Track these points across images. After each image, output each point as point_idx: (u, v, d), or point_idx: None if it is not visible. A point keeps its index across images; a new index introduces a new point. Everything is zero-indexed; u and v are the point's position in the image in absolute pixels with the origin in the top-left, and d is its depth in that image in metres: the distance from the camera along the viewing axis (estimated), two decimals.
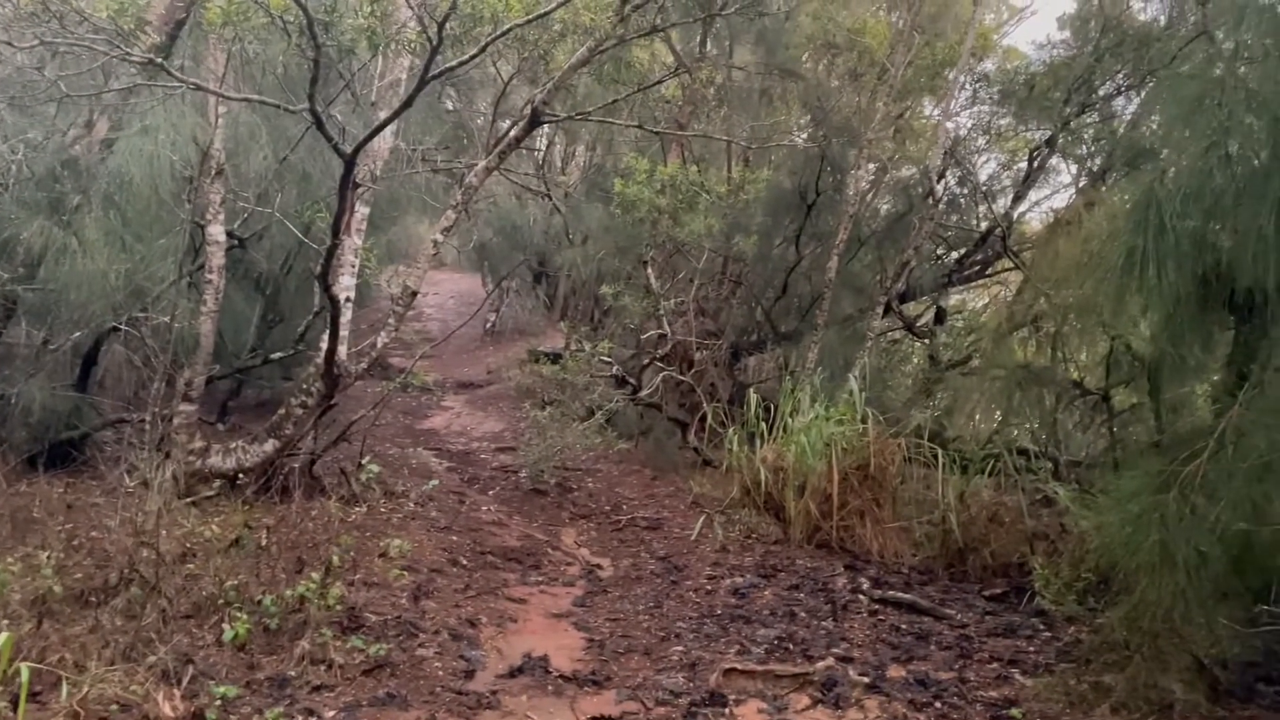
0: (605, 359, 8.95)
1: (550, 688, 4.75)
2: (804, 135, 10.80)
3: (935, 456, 7.44)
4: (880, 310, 9.96)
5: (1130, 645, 4.59)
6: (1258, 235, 3.08)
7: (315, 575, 5.08)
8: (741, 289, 11.38)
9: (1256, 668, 4.72)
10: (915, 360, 11.66)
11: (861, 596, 6.40)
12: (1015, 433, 8.72)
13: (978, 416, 9.39)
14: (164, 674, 4.24)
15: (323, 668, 4.57)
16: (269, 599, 4.81)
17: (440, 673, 4.76)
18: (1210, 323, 4.55)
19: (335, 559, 5.21)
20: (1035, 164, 11.01)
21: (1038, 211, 11.62)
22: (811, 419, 7.73)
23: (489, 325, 18.89)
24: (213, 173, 6.05)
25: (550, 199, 11.76)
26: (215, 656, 4.56)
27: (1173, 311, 4.48)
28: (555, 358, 10.97)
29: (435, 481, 7.30)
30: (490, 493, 8.66)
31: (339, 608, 4.97)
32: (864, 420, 7.52)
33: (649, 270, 8.99)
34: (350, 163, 4.95)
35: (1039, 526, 7.19)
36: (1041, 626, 5.87)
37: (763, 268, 11.23)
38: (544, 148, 15.22)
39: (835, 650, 5.33)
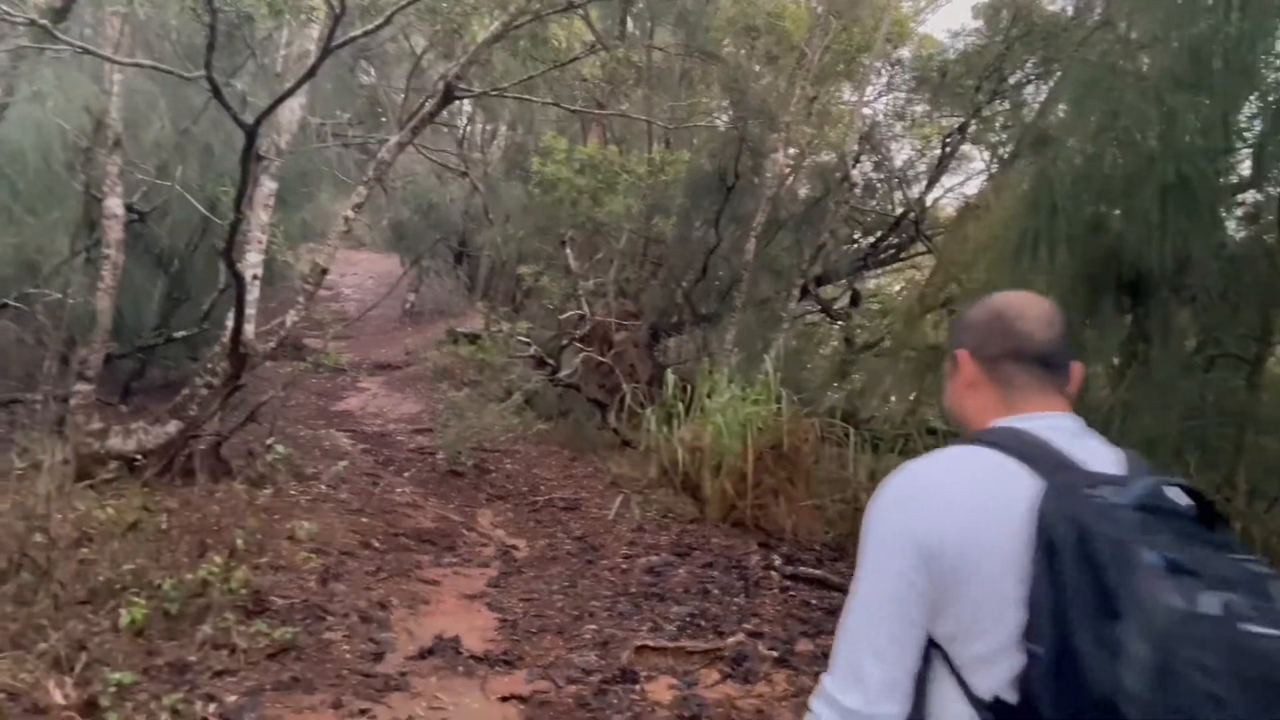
0: (524, 340, 8.88)
1: (461, 669, 4.72)
2: (724, 118, 10.84)
3: (848, 436, 7.58)
4: (797, 293, 10.09)
5: None
6: (1145, 219, 3.19)
7: (218, 559, 4.95)
8: (662, 270, 11.41)
9: None
10: (832, 342, 11.85)
11: (773, 573, 6.49)
12: (929, 415, 8.94)
13: (892, 397, 9.60)
14: (56, 661, 4.10)
15: (225, 652, 4.46)
16: (169, 583, 4.66)
17: (348, 655, 4.68)
18: (1105, 306, 4.71)
19: (239, 542, 5.09)
20: (948, 150, 11.26)
21: (952, 197, 11.90)
22: (728, 399, 7.80)
23: (408, 306, 18.62)
24: (109, 143, 5.80)
25: (469, 178, 11.61)
26: (112, 643, 4.40)
27: (1067, 294, 4.63)
28: (475, 339, 10.84)
29: (345, 463, 7.17)
30: (406, 475, 8.55)
31: (244, 592, 4.85)
32: (779, 400, 7.60)
33: (568, 250, 8.94)
34: (252, 134, 4.79)
35: None
36: None
37: (683, 249, 11.27)
38: (464, 126, 15.01)
39: (746, 626, 5.41)
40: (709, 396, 8.49)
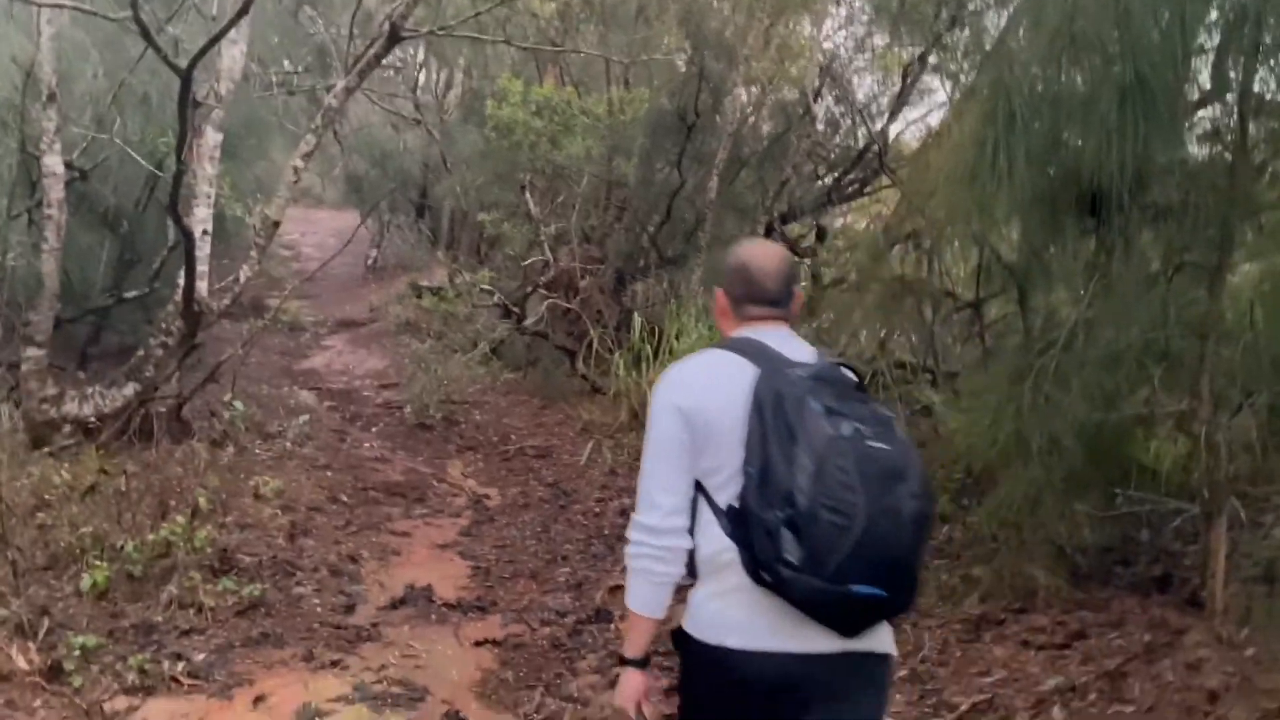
0: (486, 289, 8.75)
1: (434, 616, 4.70)
2: (682, 56, 10.63)
3: None
4: (762, 231, 9.99)
5: (996, 538, 4.78)
6: (1103, 125, 3.14)
7: (181, 519, 4.87)
8: (626, 214, 11.26)
9: (1112, 552, 4.99)
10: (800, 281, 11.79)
11: None
12: (895, 350, 8.95)
13: (862, 334, 9.58)
14: (18, 628, 4.02)
15: (192, 611, 4.40)
16: (130, 545, 4.58)
17: (319, 609, 4.65)
18: (1068, 225, 4.67)
19: (202, 501, 5.00)
20: (909, 82, 11.12)
21: (914, 130, 11.77)
22: (695, 340, 7.75)
23: (370, 262, 18.31)
24: (43, 97, 5.57)
25: (425, 125, 11.35)
26: (75, 608, 4.33)
27: (1028, 215, 4.58)
28: (439, 291, 10.69)
29: (305, 418, 7.05)
30: (373, 430, 8.46)
31: (209, 550, 4.78)
32: None
33: (528, 196, 8.76)
34: (186, 79, 4.60)
35: (917, 434, 7.43)
36: None
37: (646, 192, 11.10)
38: (418, 74, 14.64)
39: None
40: (677, 338, 8.44)
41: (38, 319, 6.12)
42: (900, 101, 11.19)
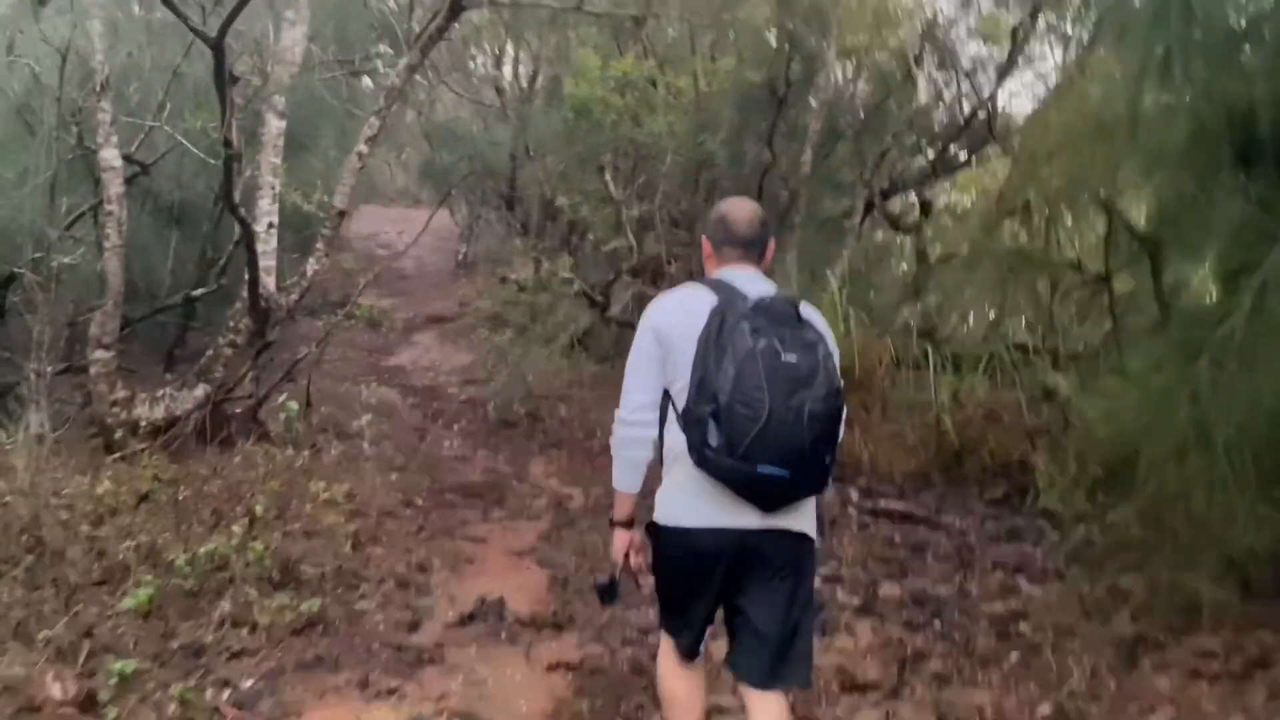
0: (567, 277, 8.31)
1: (504, 635, 4.27)
2: (771, 26, 9.98)
3: (926, 356, 6.89)
4: (861, 206, 9.30)
5: (1149, 543, 4.10)
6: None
7: (237, 528, 4.55)
8: (714, 195, 10.70)
9: None
10: (902, 259, 11.02)
11: (851, 509, 5.91)
12: (1009, 329, 8.19)
13: (971, 313, 8.83)
14: (59, 651, 3.74)
15: (245, 630, 4.06)
16: (182, 558, 4.27)
17: (381, 627, 4.26)
18: (1223, 179, 3.95)
19: (259, 508, 4.68)
20: (1018, 42, 10.24)
21: (1022, 97, 10.90)
22: None
23: (461, 257, 18.19)
24: (97, 88, 5.35)
25: (507, 112, 10.97)
26: (124, 627, 4.04)
27: (1173, 175, 3.87)
28: (523, 283, 10.32)
29: (369, 418, 6.67)
30: (455, 427, 8.13)
31: (268, 562, 4.45)
32: (845, 321, 6.93)
33: (608, 178, 8.28)
34: (218, 48, 4.27)
35: (1040, 422, 6.69)
36: (1048, 529, 5.38)
37: (735, 170, 10.52)
38: (499, 60, 14.26)
39: (822, 570, 4.83)
40: None
41: (104, 320, 5.93)
42: (1008, 66, 10.33)
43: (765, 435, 2.19)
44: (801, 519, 2.43)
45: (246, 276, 6.02)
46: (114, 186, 5.63)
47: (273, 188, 6.17)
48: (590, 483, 6.87)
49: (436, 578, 4.92)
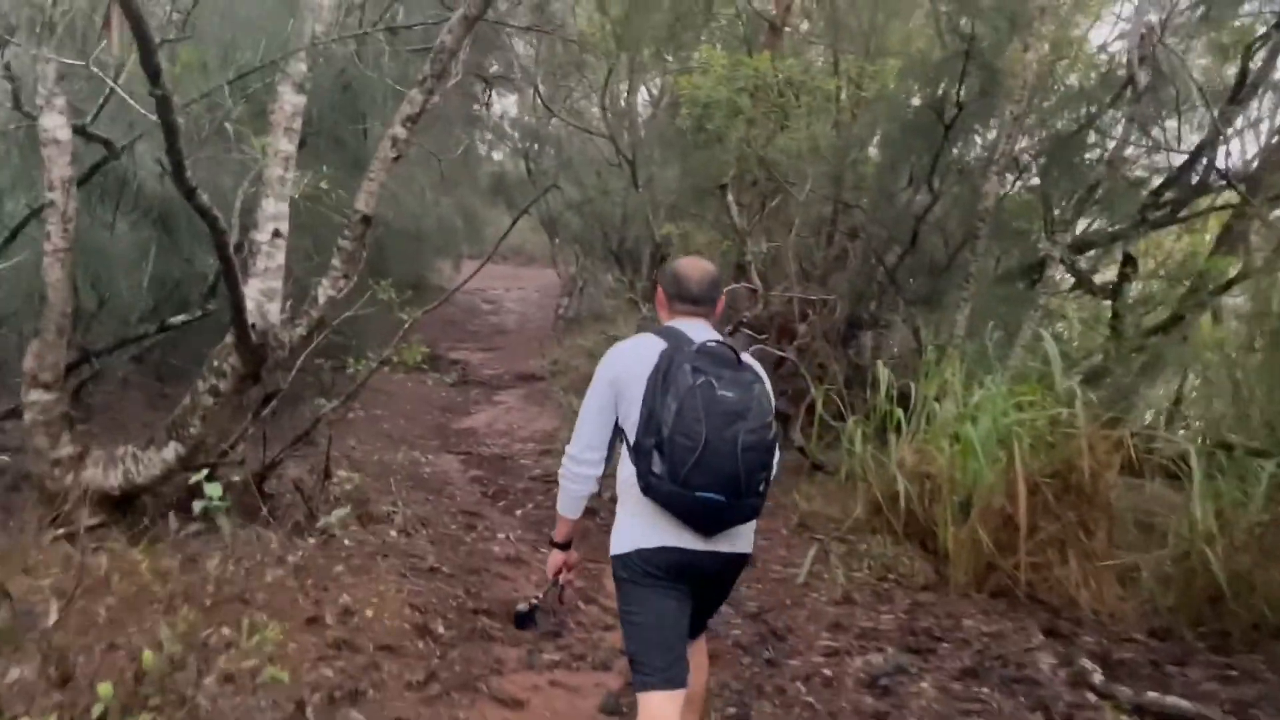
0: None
1: None
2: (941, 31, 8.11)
3: (1184, 460, 4.78)
4: (1058, 258, 7.21)
5: None
6: None
7: (104, 689, 2.81)
8: (857, 241, 8.79)
9: None
10: (1096, 326, 8.77)
11: (1088, 693, 3.81)
12: None
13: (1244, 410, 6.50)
14: None
15: None
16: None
17: None
18: None
19: (147, 657, 2.92)
20: (1254, 62, 8.09)
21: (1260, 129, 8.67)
22: (979, 401, 5.15)
23: (561, 311, 16.69)
24: (36, 27, 3.87)
25: (615, 143, 9.37)
26: None
27: None
28: None
29: (390, 507, 4.94)
30: (517, 513, 6.35)
31: None
32: (1069, 403, 4.88)
33: (730, 199, 6.43)
34: None
35: None
36: None
37: (885, 212, 8.61)
38: (605, 87, 12.72)
39: None
40: (938, 401, 5.86)
41: (43, 351, 4.39)
42: (1240, 89, 8.16)
43: (702, 463, 2.42)
44: (739, 542, 2.67)
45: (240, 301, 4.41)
46: (58, 167, 4.13)
47: (283, 183, 4.58)
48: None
49: None
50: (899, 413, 5.79)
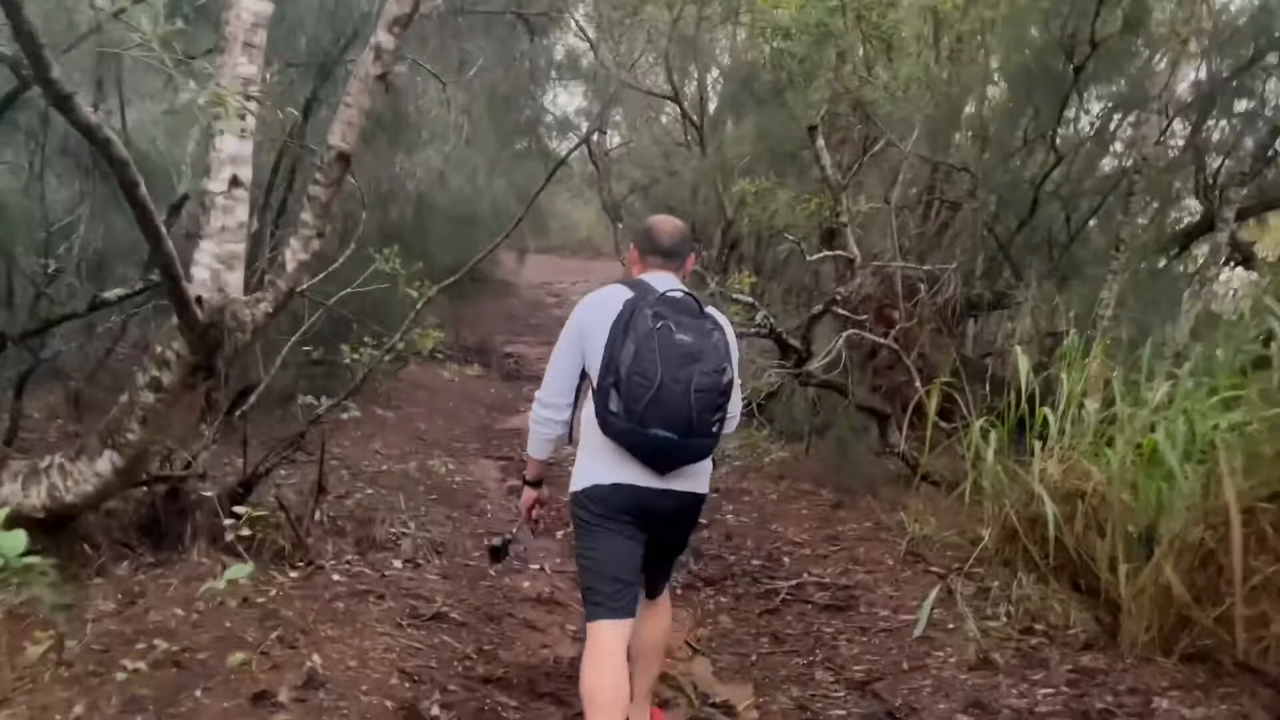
0: (745, 299, 5.24)
1: None
2: None
3: None
4: (1229, 223, 5.79)
5: None
6: None
7: None
8: (961, 213, 7.46)
9: None
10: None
11: None
12: None
13: None
14: None
15: None
16: None
17: None
18: None
19: None
20: None
21: None
22: (1163, 398, 3.84)
23: None
24: None
25: (685, 114, 8.16)
26: None
27: None
28: None
29: (414, 519, 3.83)
30: (558, 535, 5.23)
31: None
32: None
33: (820, 145, 5.15)
34: None
35: None
36: None
37: (997, 178, 7.28)
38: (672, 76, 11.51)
39: None
40: (1083, 397, 4.55)
41: None
42: None
43: (657, 401, 2.50)
44: (693, 482, 2.74)
45: (199, 272, 3.38)
46: None
47: (243, 117, 3.51)
48: (767, 672, 3.76)
49: None
50: (1045, 413, 4.50)
